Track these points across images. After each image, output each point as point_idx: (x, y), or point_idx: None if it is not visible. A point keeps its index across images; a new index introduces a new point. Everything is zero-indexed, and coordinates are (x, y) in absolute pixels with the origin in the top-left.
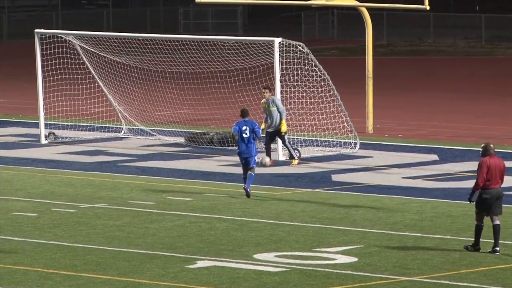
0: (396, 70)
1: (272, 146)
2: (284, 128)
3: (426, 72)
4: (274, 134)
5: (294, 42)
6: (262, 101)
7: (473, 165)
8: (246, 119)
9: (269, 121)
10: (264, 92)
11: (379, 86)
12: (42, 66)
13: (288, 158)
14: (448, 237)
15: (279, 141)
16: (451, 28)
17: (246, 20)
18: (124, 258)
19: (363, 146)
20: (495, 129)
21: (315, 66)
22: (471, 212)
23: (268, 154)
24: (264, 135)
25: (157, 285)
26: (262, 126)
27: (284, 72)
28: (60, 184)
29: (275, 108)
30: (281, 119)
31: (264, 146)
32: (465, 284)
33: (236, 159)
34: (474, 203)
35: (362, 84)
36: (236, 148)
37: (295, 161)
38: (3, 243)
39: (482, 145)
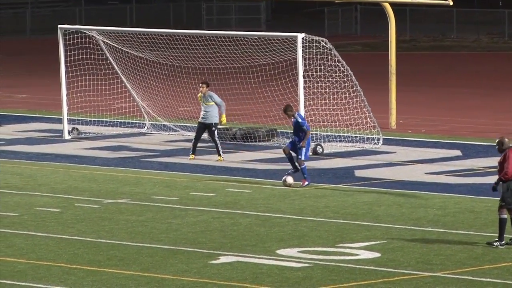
0: (419, 66)
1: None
2: (224, 120)
3: (449, 68)
4: (205, 127)
5: (317, 38)
6: (199, 95)
7: (496, 161)
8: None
9: (202, 114)
10: (201, 87)
11: (402, 81)
12: (66, 62)
13: (312, 153)
14: (471, 232)
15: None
16: (474, 24)
17: (269, 16)
18: (147, 253)
19: (386, 141)
20: None
21: (338, 61)
22: (494, 208)
23: (194, 149)
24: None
25: (180, 280)
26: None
27: (307, 67)
28: (83, 179)
29: (213, 103)
30: (221, 112)
31: (194, 139)
32: (489, 279)
33: (259, 154)
34: (500, 197)
35: (385, 80)
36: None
37: (221, 158)
38: (27, 238)
39: (498, 140)
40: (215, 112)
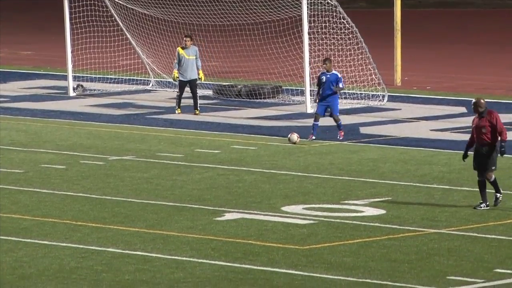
0: (425, 23)
1: (300, 98)
2: (203, 76)
3: (455, 25)
4: (187, 83)
5: None
6: (180, 49)
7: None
8: None
9: (182, 69)
10: (186, 41)
11: (407, 38)
12: (70, 19)
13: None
14: (476, 189)
15: (307, 93)
16: None
17: None
18: (152, 210)
19: (391, 98)
20: None
21: (343, 18)
22: (499, 165)
23: (179, 103)
24: (177, 83)
25: (185, 237)
26: (175, 73)
27: (312, 24)
28: (88, 136)
29: (194, 57)
30: (198, 68)
31: (177, 95)
32: (493, 236)
33: (264, 111)
34: (496, 159)
35: (390, 37)
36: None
37: (198, 111)
38: (32, 195)
39: (482, 101)
40: (195, 67)
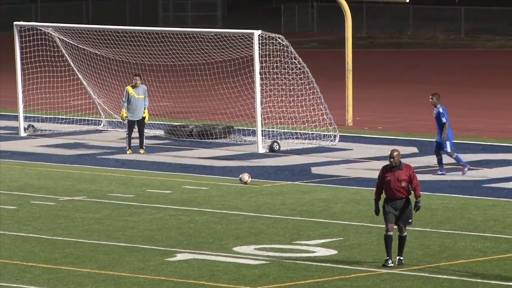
0: (376, 63)
1: (251, 139)
2: (148, 116)
3: (406, 65)
4: (135, 122)
5: (274, 35)
6: (130, 88)
7: (450, 159)
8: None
9: (131, 109)
10: (136, 79)
11: (358, 78)
12: (21, 59)
13: (268, 150)
14: (428, 229)
15: (259, 133)
16: (431, 21)
17: (226, 13)
18: (103, 251)
19: (343, 138)
20: (475, 122)
21: (295, 58)
22: (450, 205)
23: (130, 144)
24: (126, 122)
25: (136, 278)
26: (124, 113)
27: (263, 64)
28: (39, 176)
29: (143, 96)
30: (145, 108)
31: (127, 136)
32: (445, 276)
33: (216, 152)
34: (415, 213)
35: (341, 77)
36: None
37: (144, 150)
38: None
39: (396, 153)
40: (142, 107)
